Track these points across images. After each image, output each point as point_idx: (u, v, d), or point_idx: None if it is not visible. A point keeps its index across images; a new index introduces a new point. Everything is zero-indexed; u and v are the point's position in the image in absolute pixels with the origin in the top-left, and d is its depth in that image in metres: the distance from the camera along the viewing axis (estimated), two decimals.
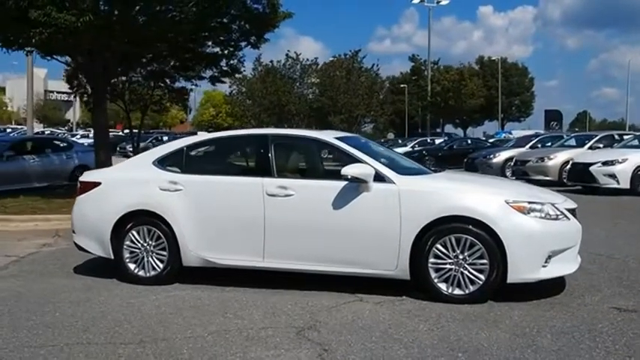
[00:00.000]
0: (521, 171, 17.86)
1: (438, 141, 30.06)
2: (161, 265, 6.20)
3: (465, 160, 21.80)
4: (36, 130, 50.85)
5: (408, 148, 28.82)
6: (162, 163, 6.40)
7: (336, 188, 5.67)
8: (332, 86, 37.30)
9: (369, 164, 5.69)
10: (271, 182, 5.88)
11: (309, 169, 6.29)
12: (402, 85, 62.10)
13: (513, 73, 65.81)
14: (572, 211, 5.81)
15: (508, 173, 19.07)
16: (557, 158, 16.81)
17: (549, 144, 20.28)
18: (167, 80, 19.66)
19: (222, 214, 6.03)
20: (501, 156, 19.99)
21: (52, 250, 8.47)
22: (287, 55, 38.85)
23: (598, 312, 5.08)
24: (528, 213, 5.38)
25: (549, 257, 5.38)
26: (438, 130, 54.95)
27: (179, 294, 5.83)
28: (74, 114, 51.58)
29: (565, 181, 15.88)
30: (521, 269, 5.30)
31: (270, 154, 6.04)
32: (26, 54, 13.07)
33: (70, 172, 15.39)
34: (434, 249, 5.42)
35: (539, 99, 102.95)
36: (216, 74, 15.83)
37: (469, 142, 27.56)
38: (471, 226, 5.34)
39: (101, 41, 12.02)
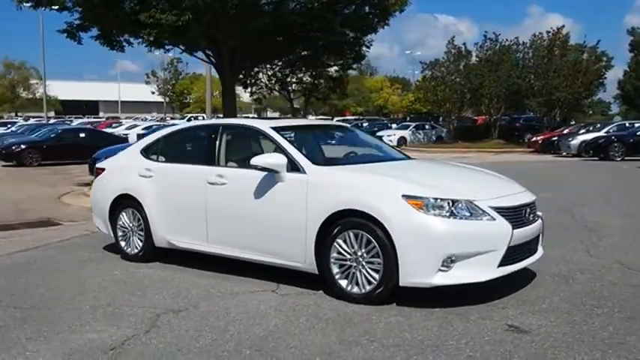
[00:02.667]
0: None
1: (638, 125, 26.17)
2: (140, 245, 6.81)
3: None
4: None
5: (601, 133, 25.63)
6: (146, 151, 6.99)
7: (259, 178, 5.68)
8: (528, 67, 34.78)
9: (286, 154, 5.58)
10: (212, 171, 6.10)
11: (246, 158, 6.32)
12: None
13: None
14: (511, 210, 5.03)
15: None
16: None
17: None
18: (324, 71, 20.54)
19: (177, 200, 6.43)
20: None
21: None
22: (485, 35, 37.22)
23: (481, 328, 4.39)
24: (428, 209, 4.82)
25: (451, 261, 4.77)
26: None
27: (139, 271, 6.37)
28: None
29: None
30: (412, 272, 4.79)
31: (216, 144, 6.26)
32: (164, 51, 14.72)
33: None
34: (335, 244, 5.17)
35: None
36: (341, 62, 16.08)
37: None
38: (366, 222, 4.98)
39: (210, 36, 13.10)
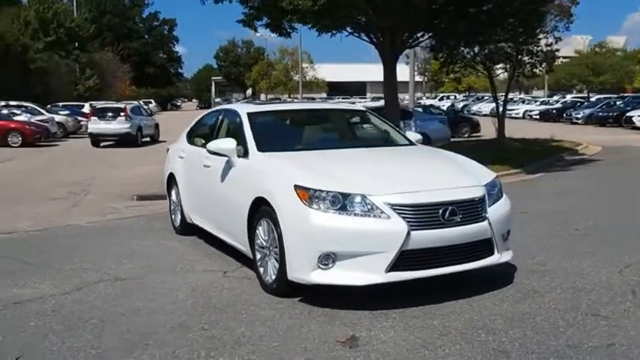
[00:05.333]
0: None
1: None
2: (179, 219, 7.51)
3: None
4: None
5: None
6: (188, 135, 7.64)
7: (224, 162, 5.87)
8: None
9: (243, 138, 5.66)
10: (205, 154, 6.45)
11: None
12: None
13: None
14: (414, 208, 4.45)
15: None
16: None
17: None
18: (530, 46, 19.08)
19: (192, 180, 6.95)
20: None
21: None
22: None
23: (326, 333, 4.09)
24: (311, 202, 4.54)
25: (331, 260, 4.45)
26: None
27: (163, 243, 7.01)
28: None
29: None
30: (295, 267, 4.62)
31: (216, 128, 6.60)
32: (331, 35, 15.19)
33: None
34: (257, 231, 5.18)
35: None
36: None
37: None
38: (270, 210, 4.89)
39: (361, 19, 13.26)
